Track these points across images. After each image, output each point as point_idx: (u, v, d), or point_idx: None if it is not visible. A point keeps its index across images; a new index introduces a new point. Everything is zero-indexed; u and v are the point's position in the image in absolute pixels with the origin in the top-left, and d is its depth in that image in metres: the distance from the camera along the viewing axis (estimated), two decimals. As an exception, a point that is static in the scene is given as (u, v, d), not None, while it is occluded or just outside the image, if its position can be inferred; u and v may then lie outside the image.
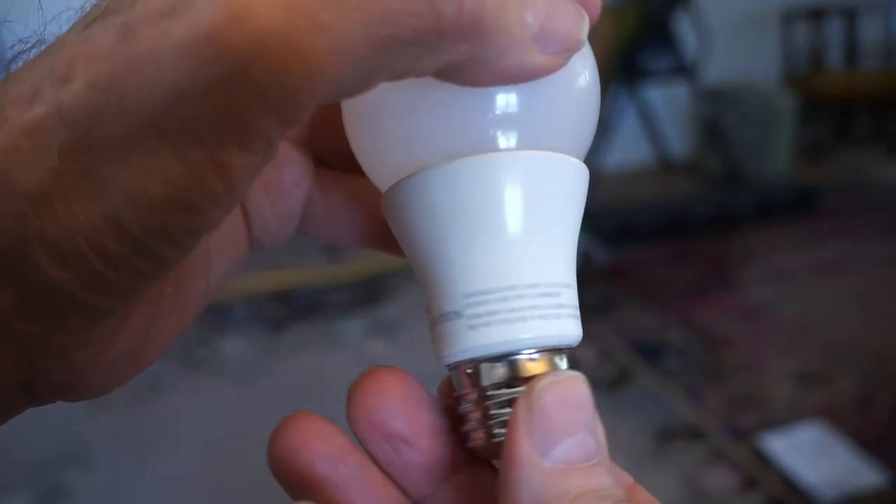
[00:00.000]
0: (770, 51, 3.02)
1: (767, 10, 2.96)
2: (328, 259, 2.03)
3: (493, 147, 0.16)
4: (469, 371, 0.17)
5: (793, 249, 2.01)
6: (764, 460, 1.15)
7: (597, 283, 1.81)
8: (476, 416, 0.17)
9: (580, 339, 0.17)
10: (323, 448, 0.17)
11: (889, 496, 1.07)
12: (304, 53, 0.12)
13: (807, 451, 1.16)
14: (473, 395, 0.17)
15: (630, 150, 2.62)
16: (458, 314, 0.17)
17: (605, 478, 0.15)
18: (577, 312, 0.17)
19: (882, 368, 1.37)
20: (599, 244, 1.98)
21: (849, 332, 1.51)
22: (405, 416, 0.17)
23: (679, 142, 2.84)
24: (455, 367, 0.17)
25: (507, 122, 0.16)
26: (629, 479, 0.18)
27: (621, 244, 2.02)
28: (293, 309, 1.82)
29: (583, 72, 0.17)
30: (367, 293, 1.87)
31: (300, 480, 0.17)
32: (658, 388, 1.37)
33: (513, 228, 0.16)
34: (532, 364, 0.17)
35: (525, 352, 0.16)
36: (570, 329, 0.17)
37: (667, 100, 2.70)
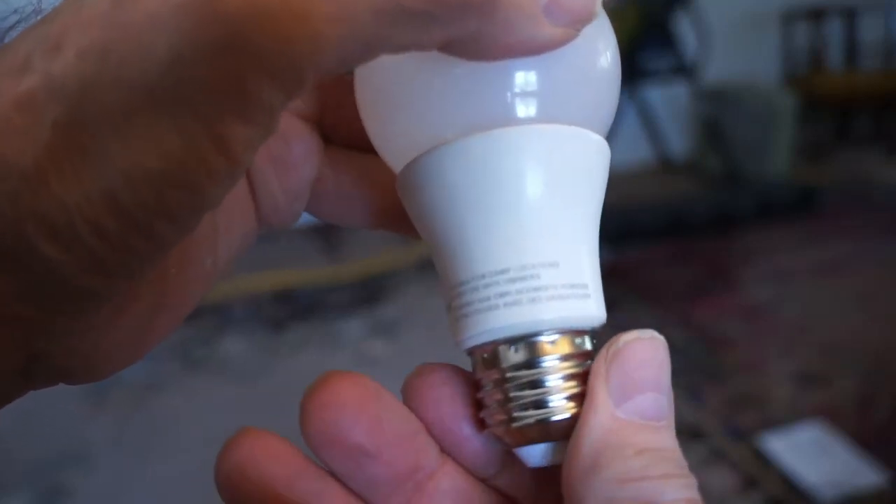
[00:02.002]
0: (770, 51, 3.02)
1: (767, 10, 2.96)
2: (328, 259, 2.03)
3: (512, 121, 0.16)
4: (486, 355, 0.16)
5: (793, 249, 2.01)
6: (764, 460, 1.15)
7: (597, 283, 1.80)
8: (496, 398, 0.16)
9: (604, 321, 0.17)
10: (276, 469, 0.16)
11: (889, 496, 1.07)
12: (307, 18, 0.11)
13: (807, 451, 1.16)
14: (493, 378, 0.16)
15: (630, 150, 2.62)
16: (476, 295, 0.16)
17: (672, 441, 0.15)
18: (601, 293, 0.17)
19: (882, 368, 1.37)
20: (599, 244, 1.97)
21: (849, 332, 1.51)
22: (365, 426, 0.16)
23: (679, 142, 2.84)
24: (473, 350, 0.17)
25: (526, 95, 0.16)
26: None
27: (621, 244, 2.02)
28: (293, 309, 1.82)
29: (604, 50, 0.17)
30: (367, 293, 1.87)
31: None
32: (658, 388, 1.37)
33: (533, 204, 0.16)
34: (552, 346, 0.16)
35: (546, 333, 0.16)
36: (592, 310, 0.16)
37: (667, 100, 2.70)
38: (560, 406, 0.16)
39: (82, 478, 1.23)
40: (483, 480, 0.18)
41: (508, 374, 0.16)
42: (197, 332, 1.67)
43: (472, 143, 0.16)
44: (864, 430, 1.20)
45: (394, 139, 0.17)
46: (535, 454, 0.16)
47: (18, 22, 0.15)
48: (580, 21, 0.14)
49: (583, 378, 0.16)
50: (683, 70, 2.41)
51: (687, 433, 1.23)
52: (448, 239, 0.16)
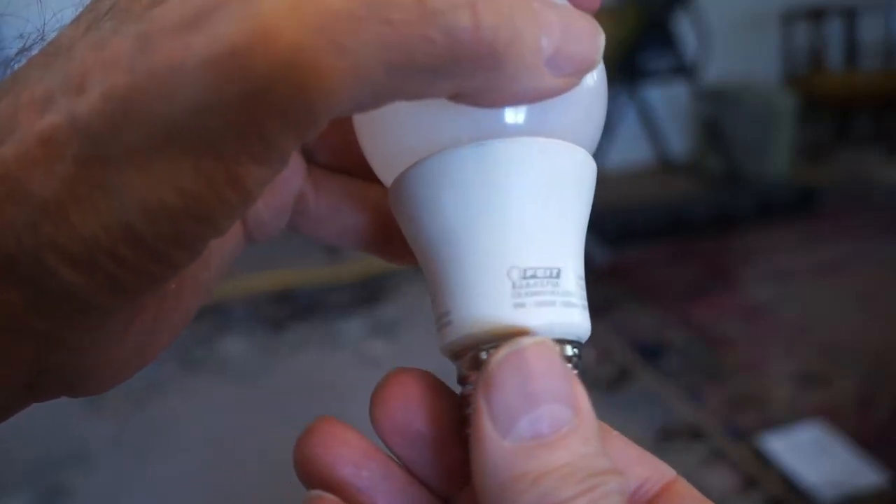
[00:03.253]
0: (770, 51, 3.02)
1: (767, 10, 2.96)
2: (328, 259, 2.03)
3: (503, 133, 0.16)
4: (472, 357, 0.17)
5: (793, 249, 2.01)
6: (764, 460, 1.15)
7: (597, 283, 1.81)
8: (474, 398, 0.17)
9: (589, 332, 0.17)
10: (345, 453, 0.17)
11: (889, 496, 1.07)
12: (323, 73, 0.12)
13: (807, 451, 1.16)
14: (473, 377, 0.17)
15: (630, 150, 2.62)
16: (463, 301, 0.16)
17: (578, 448, 0.14)
18: (586, 304, 0.17)
19: (882, 368, 1.37)
20: (599, 244, 1.98)
21: (849, 332, 1.51)
22: (428, 416, 0.17)
23: (679, 142, 2.84)
24: (459, 353, 0.17)
25: (517, 110, 0.16)
26: (671, 473, 0.17)
27: (621, 244, 2.02)
28: (293, 309, 1.82)
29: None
30: (367, 293, 1.87)
31: (325, 487, 0.17)
32: (658, 388, 1.37)
33: (521, 214, 0.16)
34: None
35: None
36: (578, 319, 0.17)
37: (667, 100, 2.70)
38: None
39: (82, 478, 1.23)
40: None
41: None
42: (197, 332, 1.67)
43: (462, 154, 0.16)
44: (864, 430, 1.20)
45: (387, 151, 0.18)
46: None
47: (24, 48, 0.15)
48: (583, 70, 0.15)
49: None
50: (683, 70, 2.42)
51: (687, 433, 1.23)
52: (436, 245, 0.17)
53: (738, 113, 2.57)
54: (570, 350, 0.17)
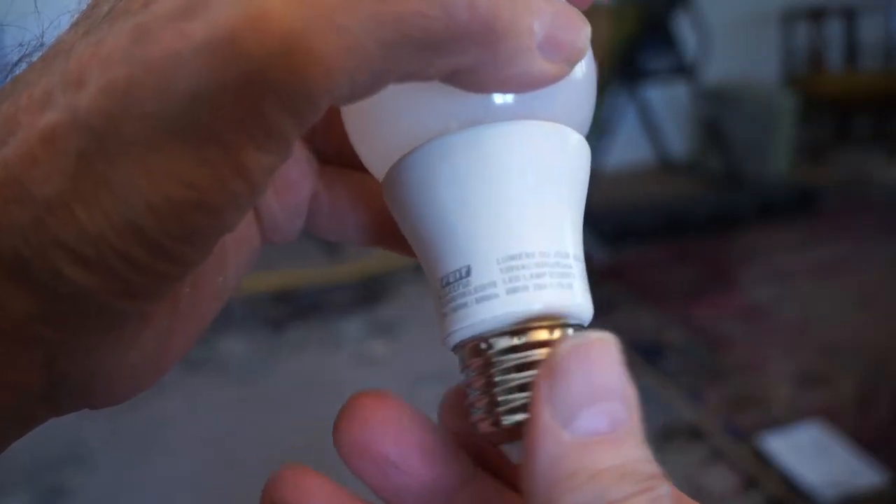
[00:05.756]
0: (770, 51, 3.02)
1: (767, 10, 2.96)
2: (328, 259, 2.03)
3: (494, 117, 0.16)
4: (473, 346, 0.16)
5: (793, 249, 2.01)
6: (764, 460, 1.15)
7: (596, 283, 1.80)
8: (479, 384, 0.16)
9: (591, 314, 0.17)
10: (314, 498, 0.17)
11: (889, 496, 1.07)
12: (321, 54, 0.12)
13: (807, 451, 1.16)
14: (478, 363, 0.16)
15: (630, 150, 2.62)
16: (460, 290, 0.16)
17: (633, 450, 0.14)
18: (587, 286, 0.17)
19: (882, 368, 1.37)
20: (599, 244, 1.98)
21: (849, 332, 1.51)
22: (392, 438, 0.17)
23: (679, 142, 2.84)
24: (461, 345, 0.17)
25: (506, 96, 0.16)
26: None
27: (621, 244, 2.02)
28: (293, 309, 1.82)
29: None
30: (367, 293, 1.87)
31: None
32: (658, 388, 1.37)
33: (517, 198, 0.16)
34: (539, 333, 0.16)
35: (534, 323, 0.16)
36: (580, 300, 0.16)
37: (667, 100, 2.70)
38: None
39: (82, 478, 1.23)
40: (519, 491, 0.18)
41: (494, 360, 0.16)
42: (197, 332, 1.67)
43: (454, 141, 0.16)
44: (864, 430, 1.20)
45: (378, 142, 0.18)
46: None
47: (24, 56, 0.15)
48: (573, 59, 0.15)
49: None
50: (683, 70, 2.42)
51: (687, 433, 1.23)
52: (432, 236, 0.17)
53: (738, 113, 2.57)
54: (482, 345, 0.16)
